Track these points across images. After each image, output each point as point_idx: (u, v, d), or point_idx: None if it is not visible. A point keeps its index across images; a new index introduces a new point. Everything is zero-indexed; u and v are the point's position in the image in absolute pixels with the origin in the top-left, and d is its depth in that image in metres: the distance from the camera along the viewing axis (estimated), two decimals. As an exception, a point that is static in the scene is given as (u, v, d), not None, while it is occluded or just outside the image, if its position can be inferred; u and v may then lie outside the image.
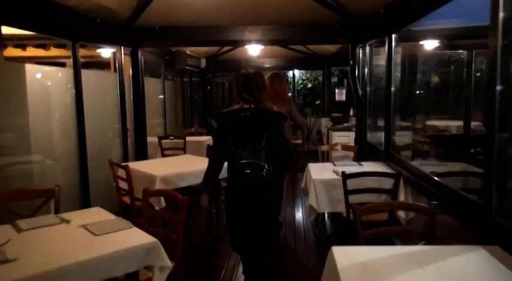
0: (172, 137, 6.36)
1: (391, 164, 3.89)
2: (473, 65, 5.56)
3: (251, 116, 2.66)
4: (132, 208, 3.88)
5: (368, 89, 5.00)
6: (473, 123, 6.28)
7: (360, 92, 5.19)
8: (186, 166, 4.20)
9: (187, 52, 7.64)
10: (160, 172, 3.85)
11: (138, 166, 4.17)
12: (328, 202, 3.46)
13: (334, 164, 4.02)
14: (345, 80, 11.38)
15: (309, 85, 12.17)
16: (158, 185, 3.71)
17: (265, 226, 2.81)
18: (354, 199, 3.21)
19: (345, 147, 4.52)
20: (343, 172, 3.19)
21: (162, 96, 7.33)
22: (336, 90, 9.77)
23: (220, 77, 10.86)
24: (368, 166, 3.91)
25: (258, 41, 5.38)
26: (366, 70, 5.07)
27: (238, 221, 2.85)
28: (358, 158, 4.48)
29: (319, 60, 9.60)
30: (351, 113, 9.57)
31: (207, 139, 6.96)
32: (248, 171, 2.55)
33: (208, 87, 10.42)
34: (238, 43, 5.91)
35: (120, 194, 4.08)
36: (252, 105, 2.68)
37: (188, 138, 6.57)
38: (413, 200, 3.31)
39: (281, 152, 2.75)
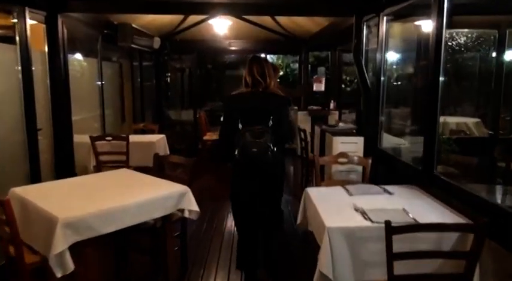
0: (110, 138, 4.72)
1: (434, 191, 2.55)
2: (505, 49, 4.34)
3: (260, 98, 2.81)
4: (19, 265, 2.31)
5: (382, 78, 3.62)
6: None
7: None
8: (119, 195, 2.66)
9: (134, 26, 5.97)
10: (68, 210, 2.28)
11: (34, 195, 2.56)
12: (353, 267, 2.05)
13: (349, 192, 2.62)
14: (319, 69, 10.06)
15: (281, 72, 10.72)
16: (61, 236, 2.15)
17: (270, 202, 2.98)
18: (397, 264, 1.84)
19: (359, 160, 3.14)
20: (388, 223, 1.78)
21: (100, 82, 5.64)
22: (314, 78, 8.40)
23: (178, 60, 9.19)
24: (402, 196, 2.54)
25: (228, 7, 3.86)
26: (379, 54, 3.68)
27: (244, 198, 2.96)
28: (375, 178, 3.11)
29: (295, 43, 8.18)
30: (332, 105, 8.28)
31: (159, 139, 5.38)
32: (255, 150, 2.67)
33: (169, 74, 8.79)
34: (200, 9, 4.32)
35: (4, 241, 2.49)
36: (261, 89, 2.80)
37: (133, 138, 4.98)
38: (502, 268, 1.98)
39: (285, 134, 2.87)
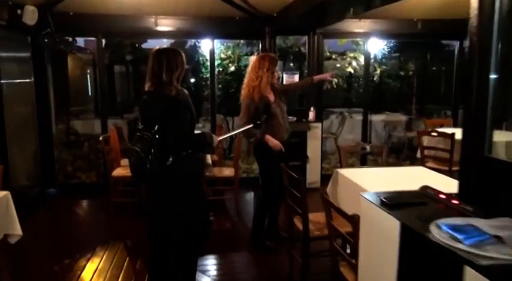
0: None
1: None
2: None
3: (149, 100, 2.55)
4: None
5: None
6: None
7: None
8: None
9: None
10: None
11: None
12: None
13: None
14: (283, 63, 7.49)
15: (232, 68, 7.97)
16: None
17: (164, 227, 2.62)
18: None
19: None
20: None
21: None
22: (284, 77, 5.75)
23: (82, 48, 6.11)
24: None
25: None
26: None
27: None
28: None
29: (256, 23, 5.47)
30: (311, 116, 5.70)
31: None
32: (133, 159, 2.41)
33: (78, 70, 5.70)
34: None
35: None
36: (152, 89, 2.51)
37: None
38: None
39: (175, 143, 2.45)
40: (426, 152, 4.78)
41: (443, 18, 5.77)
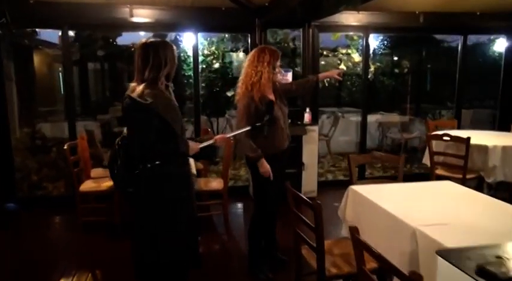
0: None
1: None
2: None
3: (123, 100, 2.21)
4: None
5: None
6: None
7: None
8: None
9: None
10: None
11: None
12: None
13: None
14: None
15: (216, 65, 7.36)
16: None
17: (140, 243, 2.32)
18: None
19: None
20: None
21: None
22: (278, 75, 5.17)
23: (42, 41, 5.40)
24: None
25: None
26: None
27: None
28: None
29: (244, 15, 4.88)
30: (306, 118, 5.16)
31: None
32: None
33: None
34: None
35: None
36: (132, 88, 2.20)
37: None
38: None
39: (140, 151, 2.17)
40: (435, 157, 4.31)
41: (447, 11, 5.33)
